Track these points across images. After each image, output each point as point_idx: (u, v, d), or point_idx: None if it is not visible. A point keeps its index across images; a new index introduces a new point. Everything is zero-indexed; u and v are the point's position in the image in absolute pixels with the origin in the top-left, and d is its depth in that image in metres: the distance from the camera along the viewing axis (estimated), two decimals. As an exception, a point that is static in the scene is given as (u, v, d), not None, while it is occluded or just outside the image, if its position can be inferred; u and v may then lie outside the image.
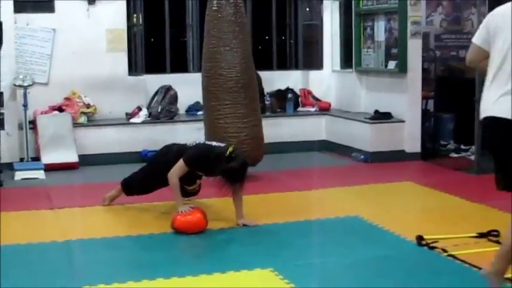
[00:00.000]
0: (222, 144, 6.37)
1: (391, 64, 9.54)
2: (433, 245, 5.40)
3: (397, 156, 9.24)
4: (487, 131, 4.52)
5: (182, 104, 10.07)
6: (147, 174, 6.70)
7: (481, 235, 5.65)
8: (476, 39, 4.56)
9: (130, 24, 10.12)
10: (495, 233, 5.66)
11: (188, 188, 6.47)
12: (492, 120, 4.34)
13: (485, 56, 4.50)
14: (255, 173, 7.62)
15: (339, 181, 8.03)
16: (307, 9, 11.52)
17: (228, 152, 6.03)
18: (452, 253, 5.21)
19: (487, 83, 4.45)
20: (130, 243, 5.77)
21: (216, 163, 6.02)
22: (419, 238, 5.51)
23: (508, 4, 4.48)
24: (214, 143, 6.49)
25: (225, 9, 7.87)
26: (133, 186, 6.78)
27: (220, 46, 7.87)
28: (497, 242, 5.47)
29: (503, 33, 4.35)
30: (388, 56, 9.65)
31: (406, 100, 9.35)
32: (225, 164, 5.97)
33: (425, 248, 5.39)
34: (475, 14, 10.41)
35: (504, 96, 4.27)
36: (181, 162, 6.20)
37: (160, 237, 5.83)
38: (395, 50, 9.46)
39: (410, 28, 9.20)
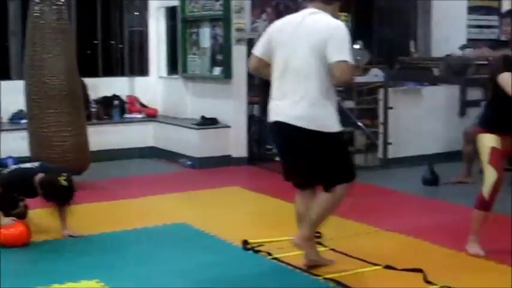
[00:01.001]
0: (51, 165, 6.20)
1: (217, 70, 9.65)
2: (258, 248, 5.51)
3: (224, 162, 9.36)
4: (275, 134, 5.04)
5: (5, 112, 9.70)
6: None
7: (304, 237, 5.82)
8: (257, 51, 5.03)
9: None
10: (318, 234, 5.84)
11: (12, 212, 6.12)
12: (278, 124, 4.88)
13: (265, 64, 4.98)
14: (80, 182, 7.45)
15: (166, 188, 8.02)
16: (135, 13, 11.41)
17: (57, 180, 5.83)
18: (277, 256, 5.34)
19: (273, 92, 4.92)
20: None
21: (37, 189, 5.83)
22: (245, 243, 5.60)
23: (288, 17, 4.99)
24: (35, 164, 6.25)
25: (47, 15, 7.65)
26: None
27: (43, 53, 7.64)
28: (319, 243, 5.67)
29: (284, 46, 4.80)
30: (214, 63, 9.75)
31: (232, 106, 9.50)
32: (50, 190, 5.79)
33: (251, 252, 5.49)
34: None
35: (285, 104, 4.78)
36: None
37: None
38: (221, 57, 9.58)
39: (234, 35, 9.34)
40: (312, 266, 5.07)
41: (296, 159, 4.96)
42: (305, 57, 4.72)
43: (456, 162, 8.58)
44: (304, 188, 5.15)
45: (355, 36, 11.18)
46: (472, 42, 11.08)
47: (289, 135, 4.84)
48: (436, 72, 10.06)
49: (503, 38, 7.62)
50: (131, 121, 10.45)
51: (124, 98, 10.70)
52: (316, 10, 4.85)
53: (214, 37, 9.72)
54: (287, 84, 4.79)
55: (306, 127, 4.72)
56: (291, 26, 4.87)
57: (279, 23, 5.04)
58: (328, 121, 4.77)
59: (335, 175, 4.91)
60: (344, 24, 4.79)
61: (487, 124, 5.63)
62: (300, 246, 5.06)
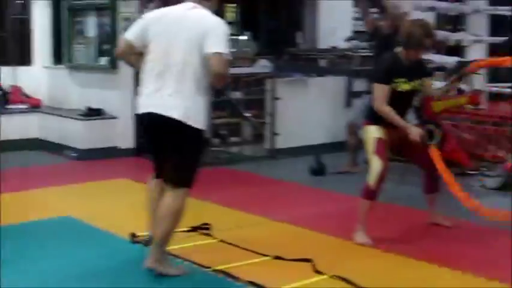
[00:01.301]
0: None
1: (103, 60, 9.48)
2: (147, 241, 5.42)
3: (111, 153, 9.21)
4: (146, 125, 4.97)
5: None
6: None
7: (194, 229, 5.78)
8: (129, 35, 4.95)
9: None
10: (207, 225, 5.82)
11: None
12: (150, 116, 4.81)
13: (135, 51, 4.91)
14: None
15: (51, 180, 7.81)
16: (18, 1, 11.03)
17: None
18: (167, 248, 5.27)
19: (146, 83, 4.85)
20: None
21: None
22: (133, 235, 5.50)
23: (168, 9, 4.96)
24: None
25: None
26: None
27: None
28: (208, 235, 5.65)
29: (161, 38, 4.78)
30: (100, 52, 9.56)
31: (118, 96, 9.34)
32: None
33: (139, 245, 5.40)
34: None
35: (159, 96, 4.74)
36: None
37: None
38: (107, 46, 9.40)
39: (121, 24, 9.18)
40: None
41: (163, 150, 4.91)
42: (183, 51, 4.71)
43: (342, 152, 8.72)
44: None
45: (242, 27, 11.29)
46: (357, 34, 11.26)
47: (162, 127, 4.81)
48: (322, 63, 10.20)
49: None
50: (14, 112, 10.11)
51: (6, 88, 10.34)
52: (196, 5, 4.87)
53: (100, 26, 9.53)
54: (162, 76, 4.76)
55: (177, 118, 4.70)
56: (170, 18, 4.86)
57: (158, 13, 5.00)
58: (198, 116, 4.77)
59: (185, 172, 4.83)
60: (223, 21, 4.84)
61: (373, 116, 5.74)
62: (157, 269, 4.76)
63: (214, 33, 4.69)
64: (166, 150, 4.86)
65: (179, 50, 4.71)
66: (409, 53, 5.63)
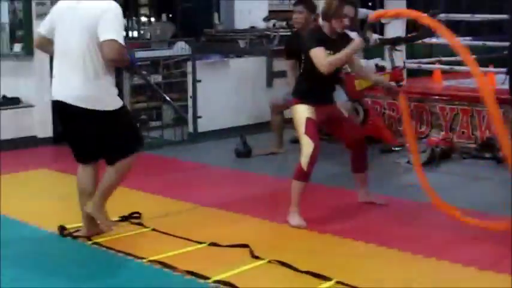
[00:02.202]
0: None
1: (17, 47, 9.15)
2: (77, 234, 5.25)
3: (28, 143, 8.90)
4: (57, 113, 5.24)
5: None
6: None
7: (124, 218, 5.63)
8: (42, 29, 5.20)
9: None
10: (137, 215, 5.68)
11: None
12: (58, 104, 5.03)
13: (50, 42, 5.11)
14: None
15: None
16: None
17: None
18: (97, 240, 5.12)
19: (54, 71, 5.08)
20: None
21: None
22: (62, 228, 5.31)
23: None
24: None
25: None
26: None
27: None
28: (139, 224, 5.51)
29: (62, 27, 4.97)
30: (14, 39, 9.23)
31: (35, 84, 9.04)
32: None
33: (69, 238, 5.22)
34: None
35: (63, 83, 4.96)
36: None
37: None
38: (21, 32, 9.08)
39: (35, 9, 8.87)
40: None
41: (77, 137, 5.13)
42: (79, 38, 4.86)
43: (267, 133, 8.66)
44: (87, 163, 5.21)
45: (159, 10, 11.11)
46: (273, 14, 11.23)
47: (69, 115, 4.99)
48: (242, 44, 10.11)
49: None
50: None
51: None
52: None
53: (13, 12, 9.18)
54: (64, 64, 4.96)
55: (83, 106, 4.88)
56: (69, 8, 5.00)
57: (63, 4, 5.11)
58: (104, 100, 4.97)
59: (116, 150, 5.09)
60: (117, 6, 4.91)
61: (301, 95, 5.68)
62: (94, 215, 5.13)
63: (106, 20, 4.81)
64: (86, 138, 5.07)
65: (75, 38, 4.87)
66: (331, 25, 5.54)
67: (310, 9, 7.57)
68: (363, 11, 8.68)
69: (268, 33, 10.15)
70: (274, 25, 10.36)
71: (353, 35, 5.68)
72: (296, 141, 8.62)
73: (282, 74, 9.14)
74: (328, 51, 5.50)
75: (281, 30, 10.13)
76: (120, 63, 5.02)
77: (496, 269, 4.49)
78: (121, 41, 4.80)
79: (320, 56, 5.44)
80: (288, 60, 7.77)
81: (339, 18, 5.51)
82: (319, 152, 5.52)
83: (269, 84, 9.93)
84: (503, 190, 6.06)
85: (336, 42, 5.55)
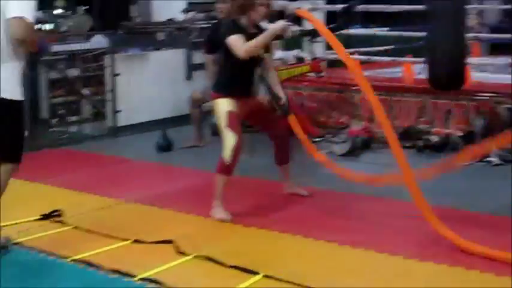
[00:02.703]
0: None
1: None
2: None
3: None
4: None
5: None
6: None
7: (45, 217, 5.49)
8: None
9: None
10: (58, 213, 5.55)
11: None
12: None
13: None
14: None
15: None
16: None
17: None
18: (18, 240, 4.97)
19: None
20: None
21: None
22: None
23: None
24: None
25: None
26: None
27: None
28: (61, 222, 5.39)
29: None
30: None
31: None
32: None
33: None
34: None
35: None
36: None
37: None
38: None
39: None
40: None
41: None
42: None
43: (187, 126, 8.59)
44: None
45: (75, 2, 10.85)
46: (193, 6, 11.15)
47: None
48: (160, 36, 10.01)
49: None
50: None
51: None
52: None
53: None
54: None
55: None
56: None
57: None
58: (10, 86, 4.57)
59: (6, 149, 4.65)
60: None
61: (222, 88, 5.66)
62: None
63: None
64: None
65: None
66: (250, 16, 5.54)
67: None
68: (279, 3, 8.76)
69: (187, 25, 10.07)
70: (193, 17, 10.28)
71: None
72: (217, 133, 8.68)
73: (201, 66, 9.09)
74: None
75: (200, 22, 10.06)
76: (27, 45, 4.59)
77: (421, 257, 4.55)
78: (30, 19, 4.50)
79: (237, 43, 5.42)
80: (208, 54, 7.71)
81: (255, 9, 5.51)
82: (242, 144, 5.50)
83: (189, 76, 9.86)
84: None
85: (254, 36, 5.53)
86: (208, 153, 7.59)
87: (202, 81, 8.43)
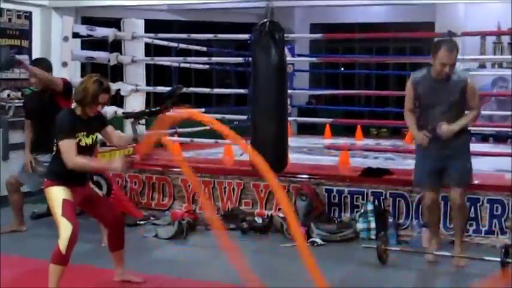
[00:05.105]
0: None
1: None
2: None
3: None
4: None
5: None
6: None
7: None
8: None
9: None
10: None
11: None
12: None
13: None
14: None
15: None
16: None
17: None
18: None
19: None
20: None
21: None
22: None
23: None
24: None
25: None
26: None
27: None
28: None
29: None
30: None
31: None
32: None
33: None
34: None
35: None
36: None
37: None
38: None
39: None
40: None
41: None
42: None
43: (6, 208, 8.26)
44: None
45: None
46: (4, 83, 10.83)
47: None
48: None
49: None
50: None
51: None
52: None
53: None
54: None
55: None
56: None
57: None
58: None
59: None
60: None
61: (55, 176, 5.61)
62: None
63: None
64: None
65: None
66: (86, 109, 5.59)
67: (46, 69, 7.58)
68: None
69: (3, 104, 9.78)
70: (8, 95, 9.98)
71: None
72: (37, 216, 8.43)
73: (20, 146, 8.84)
74: (82, 133, 5.55)
75: (16, 100, 9.79)
76: None
77: None
78: None
79: (69, 151, 5.47)
80: (26, 119, 7.85)
81: (94, 105, 5.58)
82: (78, 233, 5.42)
83: (5, 157, 9.52)
84: (251, 260, 6.25)
85: (89, 122, 5.61)
86: (31, 239, 7.37)
87: (19, 162, 8.20)
